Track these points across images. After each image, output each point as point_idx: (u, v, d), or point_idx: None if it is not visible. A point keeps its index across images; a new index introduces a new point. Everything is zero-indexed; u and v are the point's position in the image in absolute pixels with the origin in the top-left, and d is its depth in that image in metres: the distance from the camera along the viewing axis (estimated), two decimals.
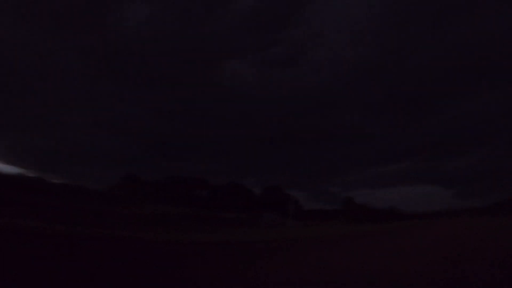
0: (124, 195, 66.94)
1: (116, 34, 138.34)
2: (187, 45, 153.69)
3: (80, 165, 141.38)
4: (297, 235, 22.83)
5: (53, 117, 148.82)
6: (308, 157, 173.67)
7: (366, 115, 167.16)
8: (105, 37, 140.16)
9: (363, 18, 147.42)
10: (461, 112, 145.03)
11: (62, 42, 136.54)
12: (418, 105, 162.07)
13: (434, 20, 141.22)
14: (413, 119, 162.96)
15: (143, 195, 68.99)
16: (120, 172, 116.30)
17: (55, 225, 13.43)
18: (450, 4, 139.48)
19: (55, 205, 30.88)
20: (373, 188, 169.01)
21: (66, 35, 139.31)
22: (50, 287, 4.54)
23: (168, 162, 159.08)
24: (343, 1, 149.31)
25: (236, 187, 67.78)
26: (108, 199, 54.69)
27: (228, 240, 16.74)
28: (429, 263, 7.05)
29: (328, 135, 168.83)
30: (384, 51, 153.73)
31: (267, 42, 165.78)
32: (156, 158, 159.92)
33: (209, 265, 7.78)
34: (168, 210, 49.66)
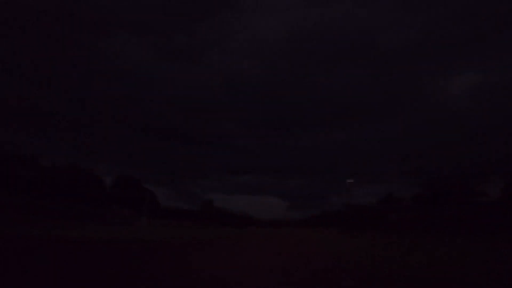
0: None
1: None
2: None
3: None
4: (147, 235, 19.96)
5: None
6: (173, 154, 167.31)
7: (240, 128, 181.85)
8: None
9: (268, 37, 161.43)
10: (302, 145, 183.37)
11: None
12: (281, 130, 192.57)
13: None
14: (276, 140, 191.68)
15: None
16: None
17: None
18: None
19: None
20: (229, 194, 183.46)
21: None
22: None
23: None
24: (257, 16, 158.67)
25: (78, 171, 54.77)
26: None
27: (62, 236, 12.56)
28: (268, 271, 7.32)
29: (199, 138, 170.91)
30: (278, 73, 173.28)
31: (173, 29, 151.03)
32: None
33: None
34: None
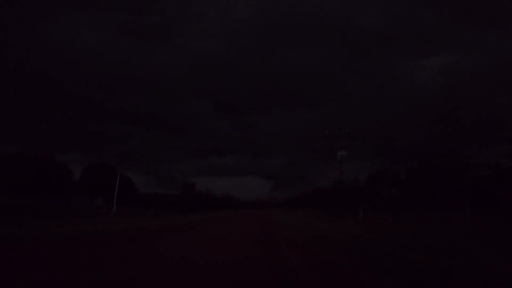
0: None
1: None
2: None
3: None
4: (112, 226, 16.45)
5: None
6: (148, 140, 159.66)
7: (209, 112, 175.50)
8: None
9: (235, 14, 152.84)
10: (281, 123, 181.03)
11: None
12: (255, 110, 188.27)
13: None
14: (251, 121, 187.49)
15: None
16: None
17: None
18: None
19: None
20: (210, 177, 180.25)
21: None
22: None
23: None
24: None
25: (35, 159, 48.65)
26: None
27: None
28: None
29: (172, 122, 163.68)
30: (246, 53, 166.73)
31: (139, 6, 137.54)
32: None
33: None
34: None
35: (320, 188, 51.92)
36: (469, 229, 14.52)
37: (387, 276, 4.70)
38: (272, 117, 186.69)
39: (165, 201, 76.29)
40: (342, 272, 5.18)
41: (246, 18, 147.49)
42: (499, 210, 23.36)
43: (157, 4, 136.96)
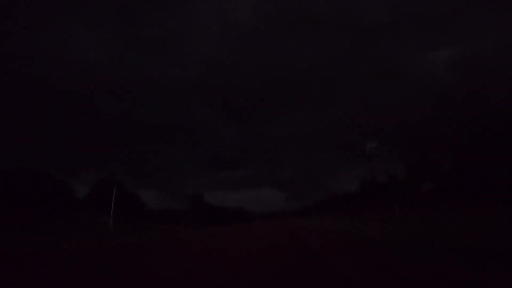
0: None
1: None
2: None
3: None
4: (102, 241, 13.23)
5: None
6: (156, 155, 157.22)
7: (218, 123, 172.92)
8: None
9: (238, 20, 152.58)
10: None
11: None
12: (261, 118, 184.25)
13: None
14: (261, 129, 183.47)
15: None
16: None
17: None
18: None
19: None
20: (223, 191, 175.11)
21: None
22: None
23: None
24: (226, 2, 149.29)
25: (35, 177, 45.94)
26: None
27: None
28: None
29: (180, 137, 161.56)
30: (252, 57, 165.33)
31: (140, 18, 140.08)
32: None
33: None
34: None
35: (345, 192, 46.45)
36: None
37: None
38: (283, 123, 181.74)
39: (174, 216, 72.13)
40: None
41: (247, 21, 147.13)
42: None
43: (158, 15, 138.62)
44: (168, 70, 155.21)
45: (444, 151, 26.98)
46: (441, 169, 25.18)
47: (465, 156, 24.71)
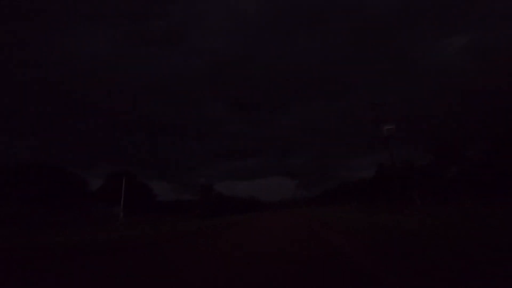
0: None
1: None
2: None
3: None
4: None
5: None
6: (169, 147, 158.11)
7: (227, 114, 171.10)
8: None
9: (248, 13, 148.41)
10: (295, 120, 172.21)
11: None
12: (269, 108, 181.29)
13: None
14: (270, 119, 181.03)
15: None
16: None
17: None
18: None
19: None
20: (235, 180, 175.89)
21: None
22: None
23: None
24: None
25: (48, 170, 46.28)
26: None
27: None
28: None
29: (191, 128, 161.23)
30: (256, 52, 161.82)
31: (145, 13, 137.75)
32: None
33: None
34: None
35: (360, 179, 44.86)
36: None
37: None
38: (292, 112, 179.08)
39: (185, 207, 72.42)
40: None
41: (254, 12, 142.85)
42: None
43: (163, 9, 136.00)
44: (182, 64, 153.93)
45: (469, 137, 24.82)
46: (467, 156, 23.17)
47: (496, 144, 22.68)
